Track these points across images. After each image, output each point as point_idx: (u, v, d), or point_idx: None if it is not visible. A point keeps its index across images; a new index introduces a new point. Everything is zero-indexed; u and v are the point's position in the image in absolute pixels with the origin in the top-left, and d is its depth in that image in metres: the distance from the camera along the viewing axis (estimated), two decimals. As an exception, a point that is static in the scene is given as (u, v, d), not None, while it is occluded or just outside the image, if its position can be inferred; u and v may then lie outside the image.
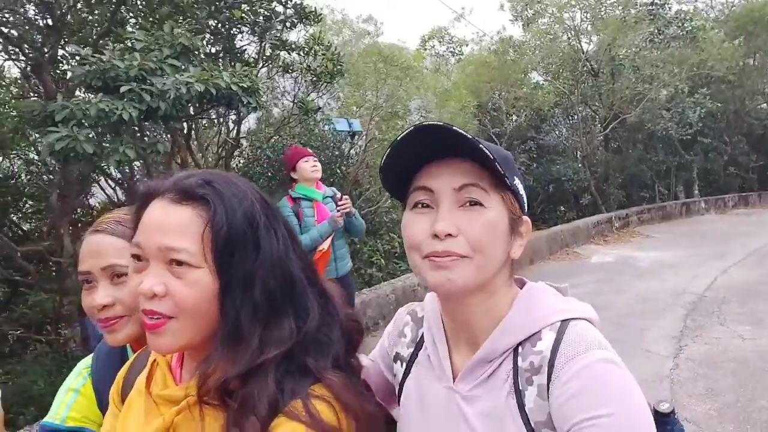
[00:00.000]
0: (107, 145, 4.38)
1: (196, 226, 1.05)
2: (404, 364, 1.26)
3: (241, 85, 4.87)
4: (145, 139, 5.04)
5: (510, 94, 15.78)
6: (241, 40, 6.97)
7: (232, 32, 6.10)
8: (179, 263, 1.05)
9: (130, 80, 4.47)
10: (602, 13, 16.51)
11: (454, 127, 1.01)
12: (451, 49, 18.44)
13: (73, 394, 1.43)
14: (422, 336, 1.25)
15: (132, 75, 4.47)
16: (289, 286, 1.10)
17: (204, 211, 1.06)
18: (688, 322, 7.75)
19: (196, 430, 1.07)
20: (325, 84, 8.04)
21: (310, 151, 5.11)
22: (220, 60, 6.12)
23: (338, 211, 4.76)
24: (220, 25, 5.89)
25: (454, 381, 1.13)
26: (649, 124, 17.21)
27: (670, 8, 17.23)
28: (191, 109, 5.10)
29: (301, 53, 8.02)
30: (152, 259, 1.06)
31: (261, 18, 6.10)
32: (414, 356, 1.25)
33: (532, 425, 1.00)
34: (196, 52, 4.92)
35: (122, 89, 4.38)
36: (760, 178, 23.23)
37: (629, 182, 19.31)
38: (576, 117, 17.47)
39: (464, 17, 18.36)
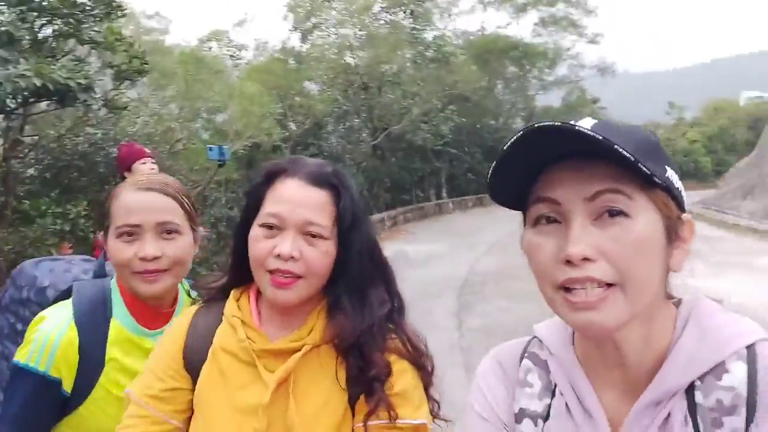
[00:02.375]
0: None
1: (329, 207, 1.33)
2: (539, 421, 0.96)
3: (77, 81, 4.73)
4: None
5: (291, 101, 16.53)
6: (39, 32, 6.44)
7: (39, 22, 5.68)
8: (313, 235, 1.30)
9: (-47, 69, 4.07)
10: (373, 32, 18.28)
11: (577, 127, 0.80)
12: (231, 53, 18.51)
13: (55, 342, 1.43)
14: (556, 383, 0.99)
15: (-45, 63, 4.08)
16: (378, 258, 1.46)
17: (334, 195, 1.37)
18: (461, 300, 9.44)
19: (313, 369, 1.33)
20: (128, 81, 7.76)
21: (148, 151, 5.07)
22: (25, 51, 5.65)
23: None
24: (29, 13, 5.45)
25: None
26: (409, 135, 19.59)
27: (430, 33, 19.90)
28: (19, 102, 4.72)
29: (98, 48, 7.63)
30: (289, 229, 1.30)
31: (77, 10, 5.80)
32: (550, 408, 0.97)
33: None
34: (23, 42, 4.60)
35: (-52, 79, 3.98)
36: (491, 183, 27.90)
37: (393, 186, 21.69)
38: (349, 126, 19.03)
39: (245, 23, 18.53)
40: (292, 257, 1.27)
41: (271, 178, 1.38)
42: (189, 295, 1.67)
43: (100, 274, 1.65)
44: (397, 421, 1.27)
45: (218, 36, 14.99)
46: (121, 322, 1.51)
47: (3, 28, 4.40)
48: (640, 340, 0.88)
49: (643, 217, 0.82)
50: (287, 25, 19.01)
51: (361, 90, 19.04)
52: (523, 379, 1.01)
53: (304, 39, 19.05)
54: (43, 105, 6.99)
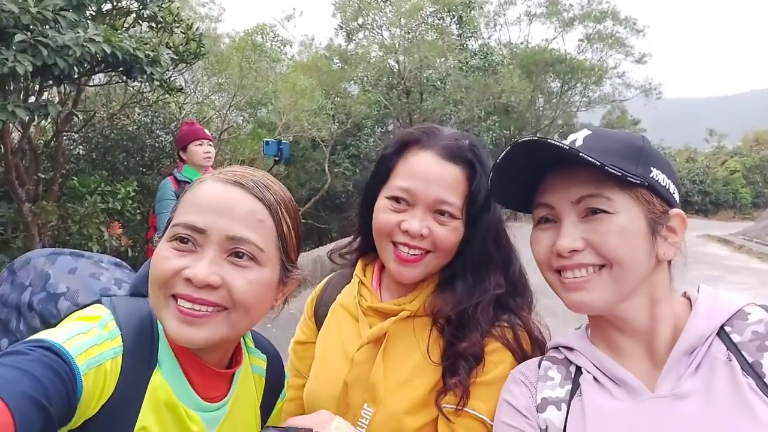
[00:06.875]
0: (-9, 100, 3.74)
1: (463, 185, 1.29)
2: (562, 405, 1.05)
3: (146, 53, 4.52)
4: (35, 98, 4.33)
5: (334, 101, 16.36)
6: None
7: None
8: (443, 213, 1.27)
9: (22, 29, 3.87)
10: (417, 36, 18.05)
11: (550, 141, 0.96)
12: (276, 47, 18.45)
13: (104, 354, 0.92)
14: (577, 368, 1.08)
15: (25, 23, 3.88)
16: (502, 241, 1.38)
17: (468, 172, 1.30)
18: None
19: (408, 338, 1.32)
20: (184, 64, 7.59)
21: (208, 133, 4.89)
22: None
23: None
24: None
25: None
26: (448, 142, 19.22)
27: (475, 41, 19.58)
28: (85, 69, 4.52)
29: (156, 28, 7.47)
30: (419, 205, 1.28)
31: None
32: (574, 390, 1.05)
33: None
34: (91, 7, 4.41)
35: (16, 38, 3.78)
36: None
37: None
38: (389, 128, 18.76)
39: (293, 18, 18.39)
40: (421, 235, 1.26)
41: (403, 148, 1.33)
42: (251, 352, 1.21)
43: (140, 292, 1.09)
44: (465, 409, 1.20)
45: (264, 30, 14.91)
46: (166, 378, 0.99)
47: (73, -8, 4.20)
48: (646, 313, 1.01)
49: (625, 213, 0.96)
50: (334, 23, 18.93)
51: (403, 94, 18.75)
52: (543, 374, 1.11)
53: (349, 38, 18.90)
54: (96, 79, 6.87)
